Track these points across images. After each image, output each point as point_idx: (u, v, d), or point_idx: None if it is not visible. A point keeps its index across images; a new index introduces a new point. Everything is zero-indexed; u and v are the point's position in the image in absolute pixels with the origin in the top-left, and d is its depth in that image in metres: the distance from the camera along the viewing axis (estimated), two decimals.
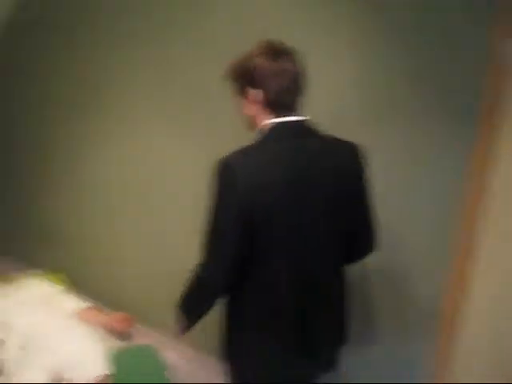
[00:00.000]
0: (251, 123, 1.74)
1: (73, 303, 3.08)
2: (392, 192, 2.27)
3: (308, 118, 1.72)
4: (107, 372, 2.51)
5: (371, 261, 2.10)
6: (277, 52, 1.63)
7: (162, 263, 3.12)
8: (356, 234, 1.85)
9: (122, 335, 3.00)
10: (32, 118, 3.68)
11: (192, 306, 1.86)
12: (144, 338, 3.09)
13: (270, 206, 1.60)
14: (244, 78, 1.67)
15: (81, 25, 3.17)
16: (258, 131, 1.70)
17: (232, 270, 1.66)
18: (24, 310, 2.85)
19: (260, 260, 1.68)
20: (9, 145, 3.94)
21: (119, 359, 2.62)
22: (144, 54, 2.92)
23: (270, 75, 1.61)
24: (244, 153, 1.62)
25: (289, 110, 1.68)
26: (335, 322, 1.89)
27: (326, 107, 2.31)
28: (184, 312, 1.88)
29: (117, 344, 2.87)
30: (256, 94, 1.65)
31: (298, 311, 1.75)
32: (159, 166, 3.02)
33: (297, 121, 1.68)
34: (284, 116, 1.66)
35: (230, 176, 1.58)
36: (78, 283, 3.52)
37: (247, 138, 1.72)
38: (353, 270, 2.03)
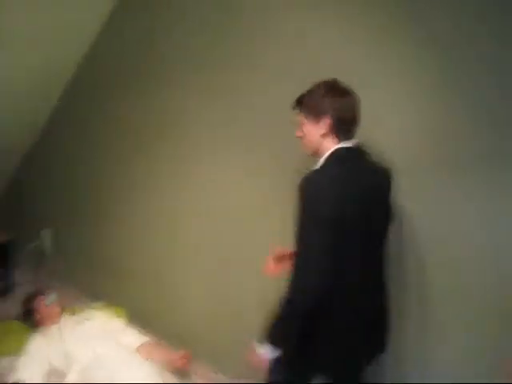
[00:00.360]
0: (315, 149, 2.02)
1: (134, 338, 3.11)
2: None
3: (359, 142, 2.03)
4: None
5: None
6: (342, 90, 1.99)
7: (223, 303, 3.11)
8: None
9: (180, 372, 2.99)
10: (98, 155, 3.83)
11: (288, 329, 1.92)
12: (201, 377, 3.08)
13: (348, 216, 1.86)
14: (314, 109, 1.97)
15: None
16: (322, 155, 1.98)
17: (328, 282, 1.84)
18: (86, 343, 2.89)
19: (337, 269, 1.88)
20: (74, 181, 4.09)
21: None
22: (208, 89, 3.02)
23: (338, 108, 1.95)
24: (319, 172, 1.93)
25: (349, 137, 1.99)
26: (386, 315, 2.18)
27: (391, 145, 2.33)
28: (279, 339, 1.95)
29: (175, 381, 2.86)
30: (323, 123, 1.95)
31: (368, 308, 2.05)
32: (223, 203, 3.05)
33: (355, 146, 2.00)
34: (345, 142, 1.98)
35: (316, 190, 1.84)
36: (138, 317, 3.56)
37: (310, 163, 2.01)
38: None
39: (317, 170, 1.93)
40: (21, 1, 3.04)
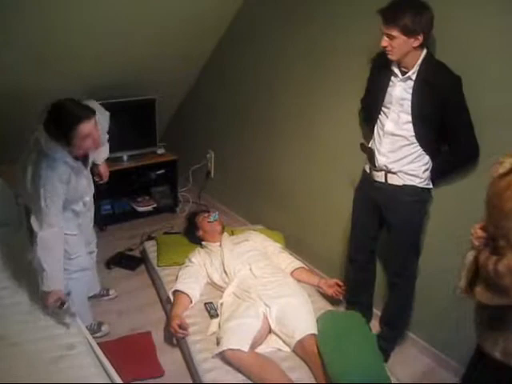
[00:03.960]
0: (402, 58, 2.34)
1: (289, 262, 3.15)
2: None
3: None
4: (314, 332, 2.52)
5: None
6: (426, 5, 2.27)
7: None
8: None
9: (332, 299, 2.99)
10: (255, 87, 3.81)
11: None
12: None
13: None
14: (412, 26, 2.22)
15: None
16: (408, 62, 2.34)
17: None
18: (244, 263, 2.98)
19: None
20: (235, 109, 4.17)
21: (326, 321, 2.61)
22: None
23: (430, 25, 2.30)
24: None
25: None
26: None
27: None
28: None
29: (325, 307, 2.87)
30: (418, 38, 2.26)
31: None
32: None
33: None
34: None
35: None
36: (293, 243, 3.62)
37: None
38: None
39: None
40: None
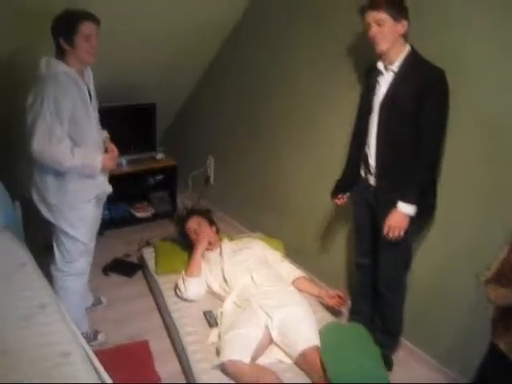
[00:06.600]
0: (388, 49, 2.34)
1: (290, 270, 3.08)
2: None
3: None
4: (317, 343, 2.45)
5: None
6: None
7: None
8: None
9: (333, 310, 2.93)
10: (252, 95, 3.78)
11: None
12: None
13: None
14: (398, 10, 2.30)
15: None
16: (390, 56, 2.37)
17: None
18: (244, 270, 2.91)
19: None
20: (232, 115, 4.16)
21: (329, 333, 2.55)
22: None
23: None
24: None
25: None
26: None
27: None
28: None
29: (326, 318, 2.81)
30: (403, 24, 2.32)
31: None
32: None
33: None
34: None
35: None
36: (292, 251, 3.55)
37: None
38: None
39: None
40: None
